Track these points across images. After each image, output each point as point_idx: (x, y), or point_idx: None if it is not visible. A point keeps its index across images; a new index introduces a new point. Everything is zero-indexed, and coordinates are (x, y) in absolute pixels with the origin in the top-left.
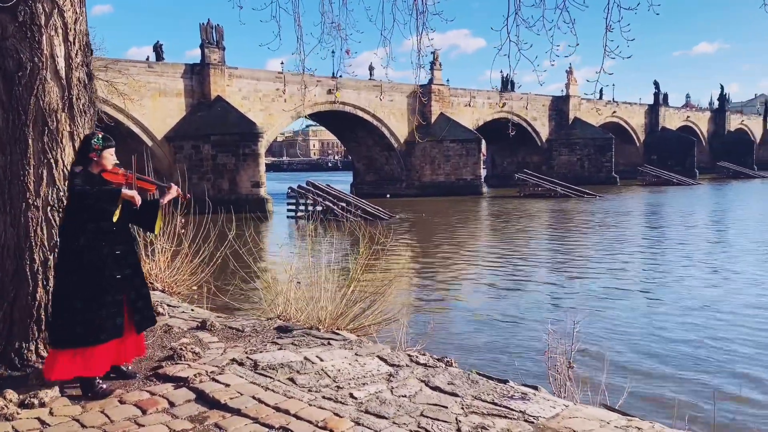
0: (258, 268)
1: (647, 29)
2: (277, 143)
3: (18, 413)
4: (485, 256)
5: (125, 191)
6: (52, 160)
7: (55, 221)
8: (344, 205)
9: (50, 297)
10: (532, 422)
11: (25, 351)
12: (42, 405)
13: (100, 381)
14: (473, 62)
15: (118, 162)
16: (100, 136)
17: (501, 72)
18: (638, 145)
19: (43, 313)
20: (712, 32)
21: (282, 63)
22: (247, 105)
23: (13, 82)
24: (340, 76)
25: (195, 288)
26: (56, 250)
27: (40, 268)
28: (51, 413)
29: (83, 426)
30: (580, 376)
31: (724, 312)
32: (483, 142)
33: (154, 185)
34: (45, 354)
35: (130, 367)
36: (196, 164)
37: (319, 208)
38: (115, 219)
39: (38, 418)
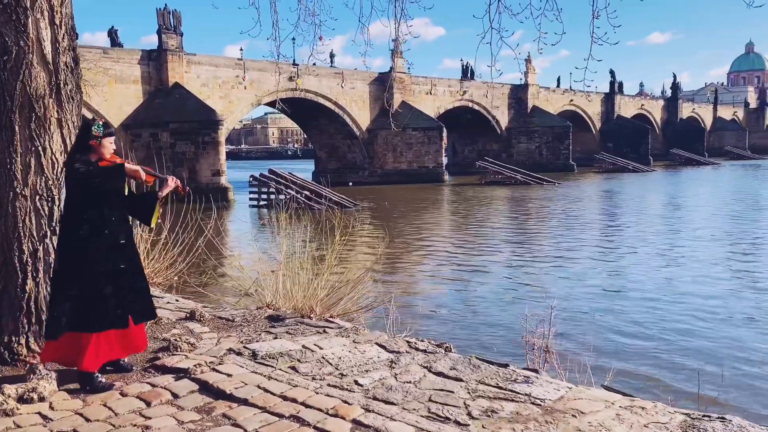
0: (236, 257)
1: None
2: (235, 131)
3: (18, 408)
4: (453, 243)
5: (128, 165)
6: (39, 148)
7: (44, 211)
8: (308, 193)
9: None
10: (539, 404)
11: (15, 345)
12: (42, 399)
13: (99, 375)
14: (433, 51)
15: (115, 148)
16: (101, 123)
17: (461, 60)
18: (594, 132)
19: (33, 305)
20: (664, 22)
21: (241, 49)
22: (206, 92)
23: None
24: (314, 64)
25: (176, 278)
26: (46, 241)
27: (29, 259)
28: (51, 407)
29: (87, 420)
30: (562, 358)
31: (684, 291)
32: (444, 130)
33: (153, 177)
34: (36, 348)
35: (126, 360)
36: (155, 153)
37: (282, 196)
38: (126, 192)
39: (39, 413)
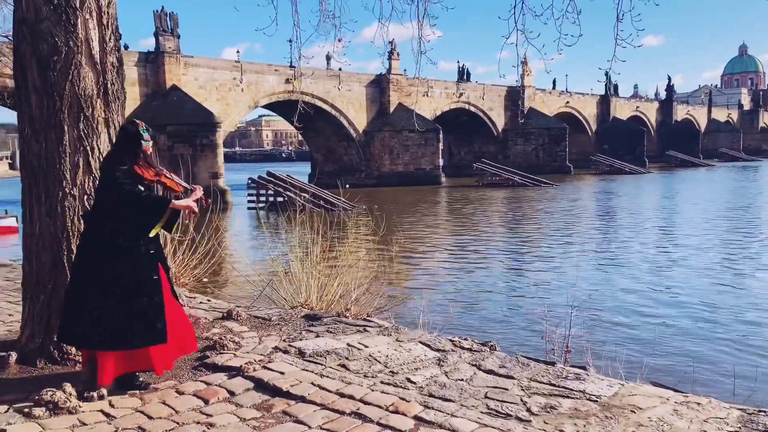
0: (245, 258)
1: (597, 23)
2: (229, 133)
3: (80, 406)
4: (460, 244)
5: (176, 203)
6: (88, 148)
7: None
8: (307, 195)
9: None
10: (596, 401)
11: (65, 344)
12: (101, 398)
13: (139, 373)
14: (431, 53)
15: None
16: (144, 126)
17: (458, 62)
18: (590, 134)
19: None
20: (657, 26)
21: (238, 52)
22: (203, 94)
23: (47, 66)
24: (339, 68)
25: (205, 279)
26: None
27: None
28: (111, 405)
29: (150, 417)
30: (583, 356)
31: (687, 287)
32: (441, 132)
33: (181, 186)
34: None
35: (141, 380)
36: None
37: (280, 198)
38: (152, 234)
39: (101, 411)
